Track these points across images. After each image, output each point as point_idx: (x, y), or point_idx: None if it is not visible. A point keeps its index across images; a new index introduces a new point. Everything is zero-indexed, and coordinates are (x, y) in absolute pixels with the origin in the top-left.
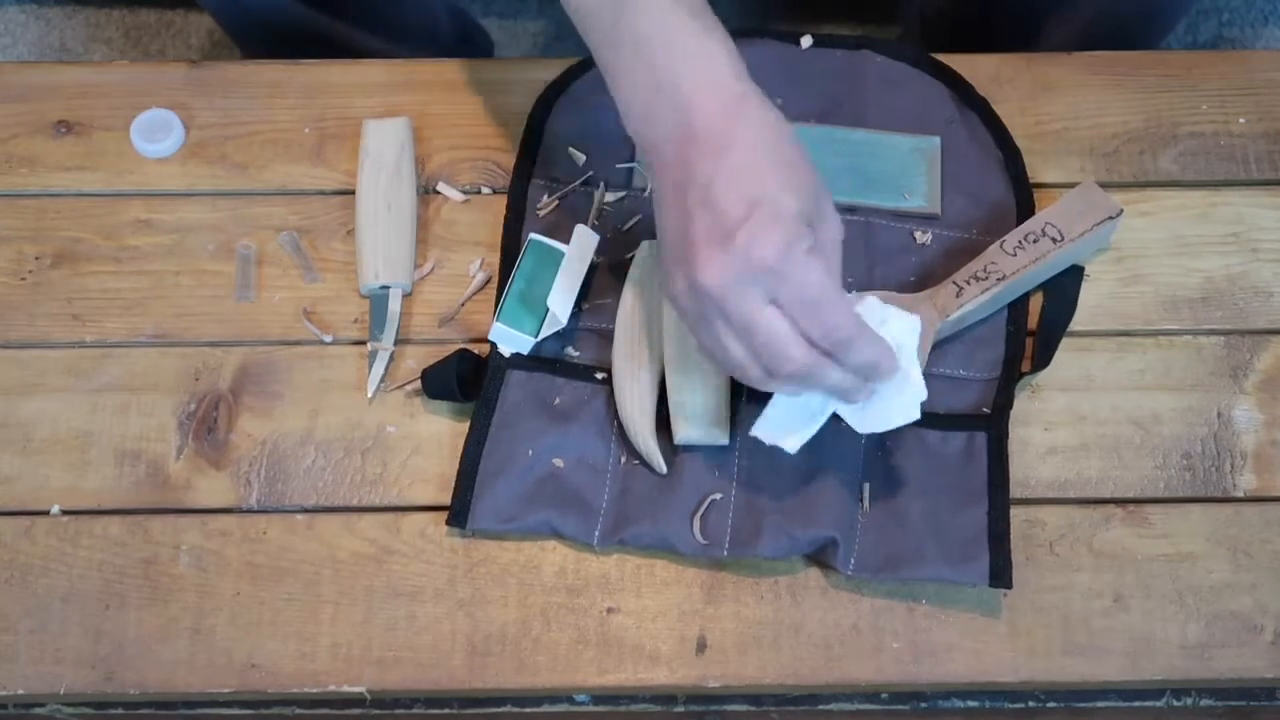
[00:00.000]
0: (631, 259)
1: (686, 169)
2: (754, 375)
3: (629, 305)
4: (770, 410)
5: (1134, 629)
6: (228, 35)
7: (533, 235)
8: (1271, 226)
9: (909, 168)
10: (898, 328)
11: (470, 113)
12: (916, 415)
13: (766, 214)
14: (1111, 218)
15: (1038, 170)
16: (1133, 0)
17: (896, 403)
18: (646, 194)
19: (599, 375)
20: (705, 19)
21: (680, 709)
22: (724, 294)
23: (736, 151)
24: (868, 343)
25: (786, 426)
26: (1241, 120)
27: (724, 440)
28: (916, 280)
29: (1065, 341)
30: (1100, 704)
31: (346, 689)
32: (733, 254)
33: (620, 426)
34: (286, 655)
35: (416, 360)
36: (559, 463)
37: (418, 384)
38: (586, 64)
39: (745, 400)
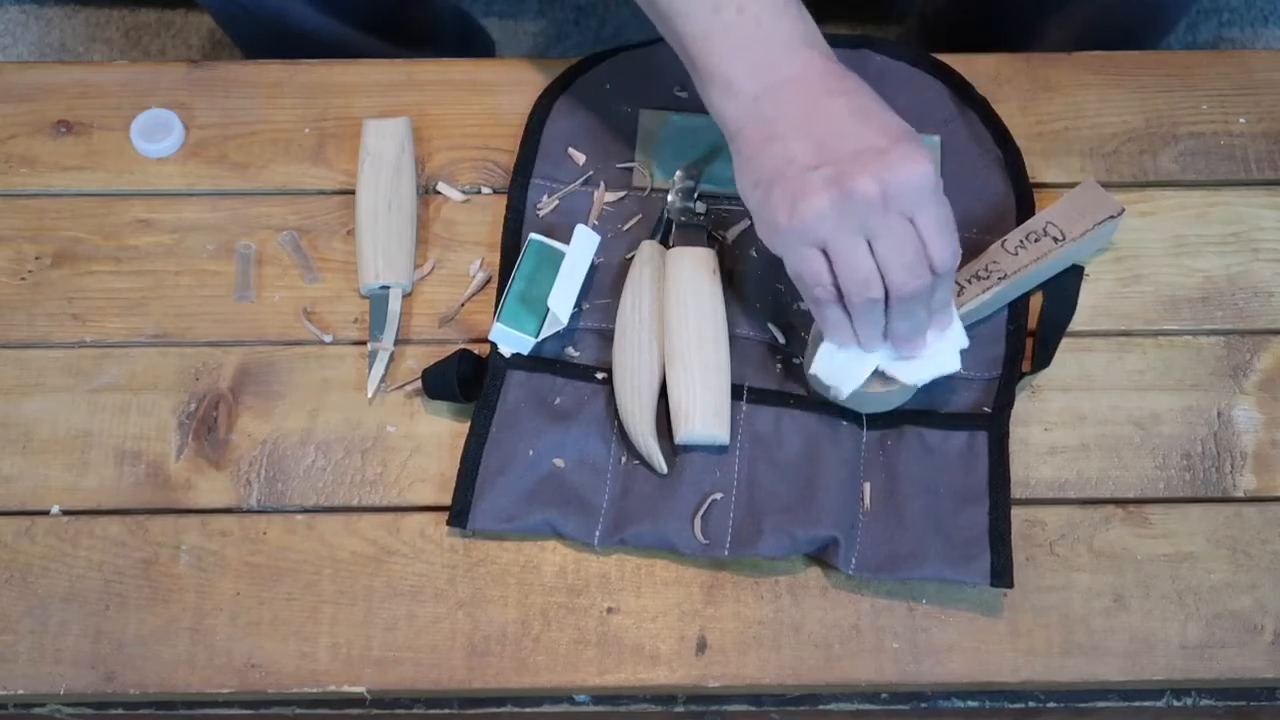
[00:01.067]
0: (631, 259)
1: (812, 105)
2: (869, 295)
3: (629, 305)
4: (822, 354)
5: (1134, 629)
6: (228, 36)
7: (533, 235)
8: (1271, 226)
9: None
10: None
11: (470, 113)
12: (958, 365)
13: (912, 140)
14: (1113, 217)
15: (1038, 170)
16: (1132, 0)
17: (941, 351)
18: (647, 194)
19: (599, 375)
20: None
21: (680, 709)
22: (883, 199)
23: (861, 93)
24: (952, 281)
25: (838, 372)
26: (1241, 120)
27: (724, 440)
28: None
29: (1065, 341)
30: (1100, 704)
31: (346, 689)
32: (889, 167)
33: (620, 426)
34: (286, 655)
35: (416, 360)
36: (559, 463)
37: (418, 384)
38: (586, 64)
39: (745, 400)
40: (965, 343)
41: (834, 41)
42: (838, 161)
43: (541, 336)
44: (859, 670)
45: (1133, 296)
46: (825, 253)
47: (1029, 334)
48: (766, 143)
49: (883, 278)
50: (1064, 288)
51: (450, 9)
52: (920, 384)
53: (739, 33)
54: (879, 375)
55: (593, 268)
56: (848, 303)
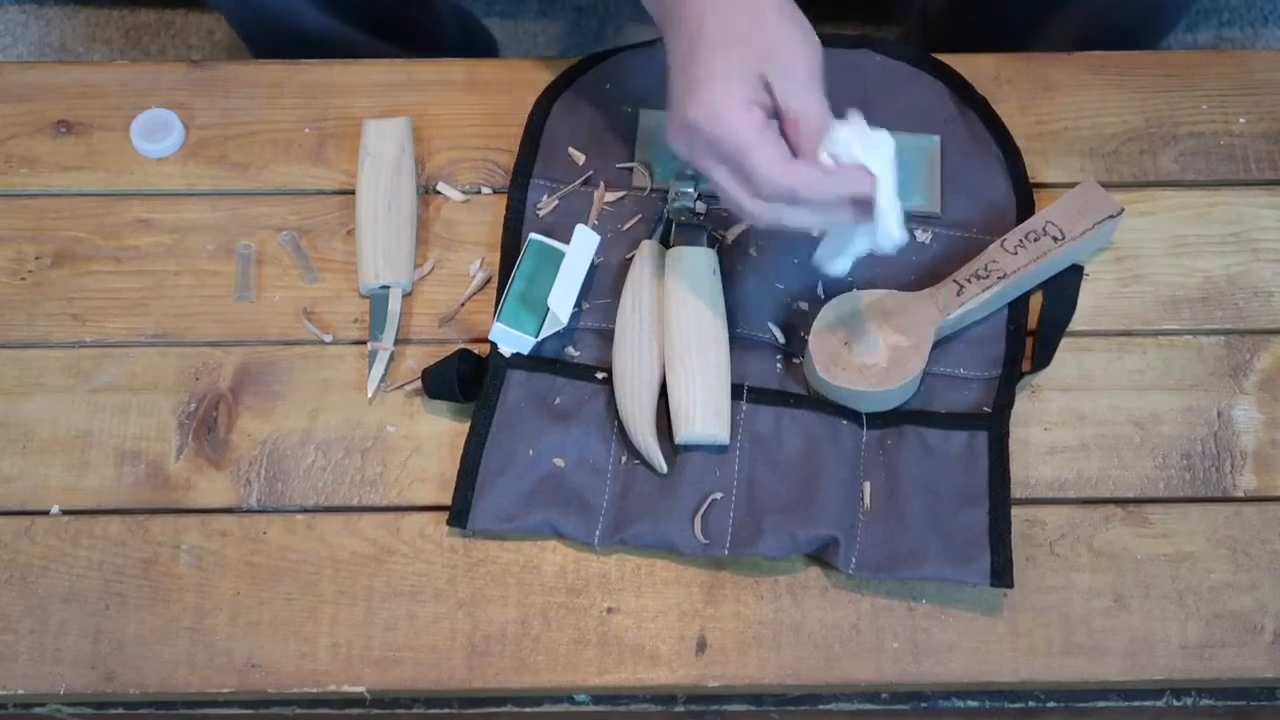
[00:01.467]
0: (631, 259)
1: (676, 42)
2: (743, 200)
3: (629, 305)
4: (821, 245)
5: (1134, 629)
6: (237, 35)
7: (533, 235)
8: (1271, 226)
9: (909, 167)
10: (869, 153)
11: (470, 113)
12: (899, 236)
13: (719, 76)
14: (1112, 216)
15: (1038, 170)
16: (1132, 0)
17: (885, 212)
18: (646, 194)
19: (599, 375)
20: None
21: (680, 709)
22: (694, 148)
23: (710, 28)
24: (815, 187)
25: (831, 255)
26: (1241, 120)
27: (724, 439)
28: (916, 279)
29: (1065, 341)
30: (1100, 704)
31: (346, 689)
32: (697, 112)
33: (621, 426)
34: (286, 655)
35: (416, 360)
36: (559, 462)
37: (418, 384)
38: (586, 64)
39: (745, 400)
40: (899, 212)
41: (834, 41)
42: (681, 93)
43: (541, 336)
44: (859, 670)
45: (1133, 296)
46: None
47: (1029, 334)
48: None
49: None
50: (1064, 287)
51: (452, 9)
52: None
53: None
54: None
55: (593, 268)
56: None
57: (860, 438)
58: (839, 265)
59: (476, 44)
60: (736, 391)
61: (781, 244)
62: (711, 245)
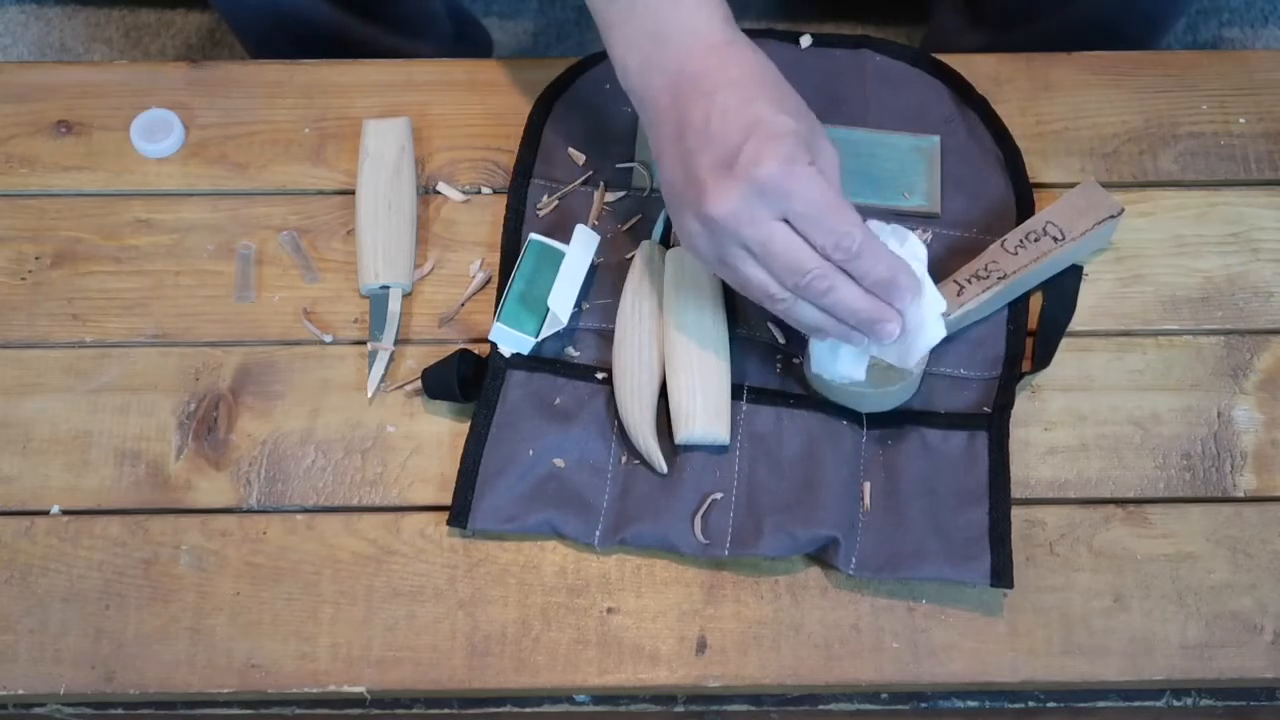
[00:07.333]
0: (631, 259)
1: (682, 113)
2: (779, 298)
3: (629, 305)
4: (815, 354)
5: (1134, 629)
6: (228, 24)
7: (533, 235)
8: (1271, 226)
9: (909, 167)
10: (903, 249)
11: (470, 113)
12: (943, 332)
13: (764, 134)
14: (1112, 216)
15: (1038, 170)
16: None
17: (922, 322)
18: (646, 194)
19: (599, 375)
20: None
21: (680, 709)
22: (736, 219)
23: (727, 88)
24: (879, 254)
25: (837, 367)
26: (1241, 120)
27: (724, 439)
28: None
29: (1065, 341)
30: (1100, 704)
31: (346, 689)
32: (737, 177)
33: (621, 426)
34: (286, 655)
35: (416, 360)
36: (560, 463)
37: (418, 384)
38: (586, 64)
39: (745, 400)
40: (943, 306)
41: (834, 41)
42: (698, 183)
43: (541, 336)
44: (859, 670)
45: (1133, 296)
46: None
47: (1029, 334)
48: (658, 157)
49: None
50: (1064, 288)
51: (446, 3)
52: (917, 363)
53: (629, 29)
54: (883, 366)
55: (593, 268)
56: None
57: (860, 438)
58: (853, 369)
59: (469, 37)
60: (736, 391)
61: None
62: None
